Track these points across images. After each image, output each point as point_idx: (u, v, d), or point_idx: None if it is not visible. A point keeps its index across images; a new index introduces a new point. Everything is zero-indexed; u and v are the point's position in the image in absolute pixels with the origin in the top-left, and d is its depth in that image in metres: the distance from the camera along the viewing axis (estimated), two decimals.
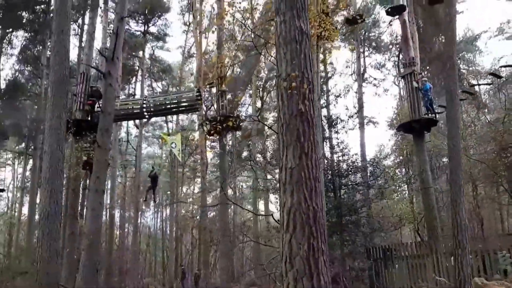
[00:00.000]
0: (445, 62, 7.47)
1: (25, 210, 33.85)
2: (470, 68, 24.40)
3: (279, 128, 3.99)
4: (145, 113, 13.32)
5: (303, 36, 4.07)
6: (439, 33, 19.30)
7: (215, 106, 13.00)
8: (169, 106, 13.20)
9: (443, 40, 20.24)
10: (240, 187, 42.11)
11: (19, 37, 25.47)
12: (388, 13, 15.03)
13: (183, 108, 13.31)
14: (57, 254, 7.46)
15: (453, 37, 7.63)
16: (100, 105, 13.21)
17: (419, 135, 14.00)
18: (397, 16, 15.52)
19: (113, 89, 11.87)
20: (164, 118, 39.04)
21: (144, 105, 13.10)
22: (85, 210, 18.47)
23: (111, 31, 13.59)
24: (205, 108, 14.60)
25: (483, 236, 16.99)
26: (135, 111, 13.32)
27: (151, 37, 32.47)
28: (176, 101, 13.17)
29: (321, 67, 21.97)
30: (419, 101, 14.13)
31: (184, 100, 13.07)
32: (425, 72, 17.27)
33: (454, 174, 6.78)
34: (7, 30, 24.81)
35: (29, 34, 24.61)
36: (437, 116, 14.60)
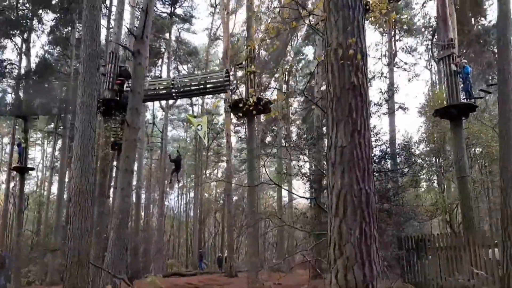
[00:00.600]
0: (498, 38, 6.89)
1: (54, 189, 34.84)
2: None
3: (328, 103, 3.66)
4: (173, 94, 13.15)
5: (357, 1, 3.69)
6: (479, 14, 18.27)
7: (244, 87, 12.65)
8: (197, 87, 12.98)
9: (483, 21, 19.28)
10: (263, 173, 41.83)
11: (49, 17, 25.78)
12: None
13: (211, 89, 13.08)
14: (88, 232, 7.40)
15: (507, 11, 7.02)
16: (129, 85, 13.10)
17: (457, 121, 13.32)
18: None
19: (143, 68, 11.73)
20: (189, 101, 39.15)
21: (172, 86, 12.93)
22: (111, 190, 18.80)
23: (140, 10, 13.36)
24: (231, 89, 14.27)
25: None
26: (163, 91, 13.17)
27: (177, 19, 32.24)
28: (204, 82, 12.94)
29: None
30: (458, 85, 13.42)
31: (213, 81, 12.83)
32: (463, 56, 16.38)
33: (505, 160, 6.29)
34: (37, 8, 25.02)
35: (58, 14, 24.77)
36: (476, 101, 13.88)
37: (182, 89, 12.97)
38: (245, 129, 43.32)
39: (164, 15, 31.14)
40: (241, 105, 12.24)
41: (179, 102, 40.25)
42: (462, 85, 13.14)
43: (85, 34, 8.19)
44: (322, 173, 17.34)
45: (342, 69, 3.59)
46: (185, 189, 49.04)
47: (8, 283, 19.25)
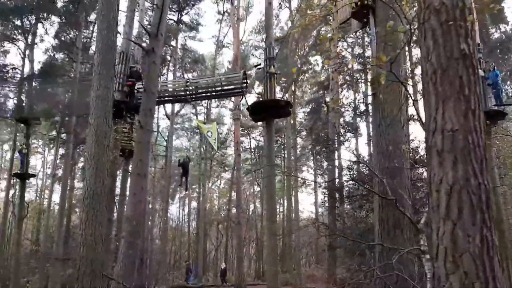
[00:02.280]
0: None
1: (55, 197, 33.96)
2: None
3: (430, 76, 2.92)
4: (188, 96, 12.45)
5: None
6: (500, 21, 17.73)
7: (262, 89, 11.97)
8: (213, 89, 12.31)
9: (505, 27, 18.75)
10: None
11: (53, 22, 25.28)
12: None
13: (227, 92, 12.41)
14: (102, 240, 6.62)
15: None
16: (141, 85, 12.44)
17: (486, 129, 12.61)
18: None
19: (157, 67, 11.03)
20: (194, 109, 38.56)
21: (187, 88, 12.25)
22: (117, 197, 17.97)
23: (154, 6, 12.73)
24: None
25: None
26: (178, 93, 12.49)
27: (183, 27, 31.76)
28: (220, 84, 12.27)
29: None
30: (486, 90, 12.77)
31: (229, 82, 12.16)
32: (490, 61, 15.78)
33: None
34: (41, 15, 24.54)
35: (63, 19, 24.25)
36: (505, 108, 13.22)
37: (197, 91, 12.29)
38: (249, 139, 42.83)
39: (171, 22, 30.67)
40: (259, 108, 11.53)
41: (183, 111, 39.73)
42: (493, 90, 12.48)
43: (100, 23, 7.53)
44: (335, 185, 16.67)
45: (448, 33, 2.87)
46: (187, 199, 48.14)
47: None
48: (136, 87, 13.08)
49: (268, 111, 11.14)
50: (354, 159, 15.91)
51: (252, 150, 42.82)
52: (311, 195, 56.99)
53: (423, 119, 3.19)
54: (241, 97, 16.26)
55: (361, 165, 12.62)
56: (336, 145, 18.36)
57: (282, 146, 43.81)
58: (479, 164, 2.70)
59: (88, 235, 6.46)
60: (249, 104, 11.80)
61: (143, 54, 19.26)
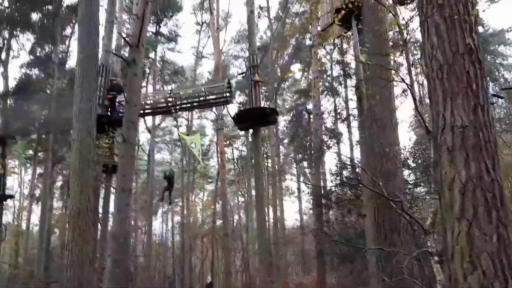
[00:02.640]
0: None
1: (33, 218, 32.86)
2: (505, 62, 23.21)
3: (436, 72, 2.85)
4: (171, 108, 12.22)
5: None
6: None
7: (245, 98, 11.86)
8: (197, 100, 12.13)
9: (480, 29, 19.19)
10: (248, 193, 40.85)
11: (28, 38, 24.71)
12: None
13: (212, 101, 12.23)
14: (90, 260, 6.32)
15: None
16: (122, 98, 12.16)
17: None
18: None
19: (139, 79, 10.79)
20: (174, 122, 38.14)
21: (170, 99, 12.03)
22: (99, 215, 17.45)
23: (134, 17, 12.51)
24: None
25: None
26: (160, 105, 12.25)
27: (162, 38, 31.54)
28: (204, 93, 12.10)
29: None
30: None
31: (214, 92, 12.00)
32: None
33: None
34: (15, 31, 23.97)
35: (37, 35, 23.71)
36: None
37: (180, 102, 12.08)
38: (232, 149, 42.60)
39: (149, 34, 30.38)
40: (245, 116, 11.40)
41: (163, 123, 39.26)
42: None
43: (81, 34, 7.32)
44: (322, 191, 16.63)
45: (453, 28, 2.82)
46: (170, 213, 47.35)
47: None
48: (117, 100, 12.77)
49: (254, 119, 11.02)
50: (339, 164, 15.93)
51: (235, 160, 42.55)
52: (295, 203, 57.16)
53: (423, 120, 3.12)
54: (223, 107, 16.15)
55: (349, 169, 12.61)
56: (321, 152, 18.33)
57: (265, 155, 43.80)
58: (491, 160, 2.64)
59: (75, 254, 6.17)
60: (234, 113, 11.66)
61: (123, 67, 19.00)
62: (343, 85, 28.58)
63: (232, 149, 42.16)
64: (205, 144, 41.19)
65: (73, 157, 6.61)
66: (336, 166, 12.74)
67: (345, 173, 16.02)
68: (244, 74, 11.92)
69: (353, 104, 18.77)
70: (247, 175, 40.83)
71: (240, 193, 43.46)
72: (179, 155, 43.36)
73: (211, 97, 12.07)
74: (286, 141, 40.04)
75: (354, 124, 28.66)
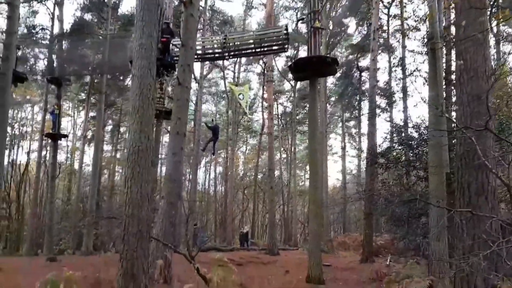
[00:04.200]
0: None
1: (85, 159, 34.48)
2: None
3: None
4: (225, 54, 11.78)
5: None
6: None
7: (307, 45, 11.13)
8: (252, 46, 11.59)
9: None
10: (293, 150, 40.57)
11: None
12: None
13: (268, 48, 11.65)
14: (149, 199, 6.24)
15: None
16: (174, 43, 11.83)
17: None
18: None
19: (195, 20, 10.40)
20: (221, 73, 37.77)
21: (225, 44, 11.56)
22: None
23: None
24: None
25: None
26: (214, 50, 11.83)
27: None
28: (260, 39, 11.52)
29: None
30: None
31: (270, 38, 11.39)
32: None
33: None
34: None
35: None
36: None
37: (235, 48, 11.60)
38: (277, 104, 41.99)
39: None
40: (303, 66, 10.75)
41: (210, 75, 39.02)
42: None
43: None
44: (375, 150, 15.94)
45: None
46: (213, 163, 48.29)
47: None
48: (170, 44, 12.46)
49: (313, 69, 10.38)
50: (395, 125, 15.03)
51: (279, 116, 42.01)
52: (337, 162, 56.36)
53: None
54: (273, 57, 15.40)
55: (409, 129, 11.81)
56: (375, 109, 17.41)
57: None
58: None
59: (134, 193, 6.08)
60: (290, 63, 11.03)
61: (175, 11, 18.52)
62: (400, 43, 26.78)
63: (277, 104, 41.55)
64: (250, 97, 40.76)
65: (132, 94, 6.39)
66: (393, 126, 11.91)
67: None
68: (303, 20, 11.13)
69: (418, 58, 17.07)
70: (291, 131, 40.46)
71: (282, 149, 43.34)
72: (223, 107, 43.45)
73: (267, 43, 11.47)
74: (333, 99, 38.90)
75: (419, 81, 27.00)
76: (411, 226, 11.19)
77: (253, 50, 11.92)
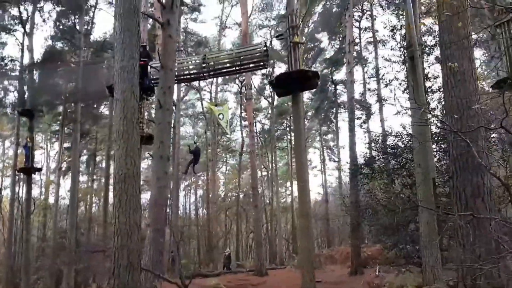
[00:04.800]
0: None
1: (61, 191, 33.27)
2: None
3: None
4: (205, 74, 11.64)
5: None
6: None
7: (287, 60, 11.14)
8: (231, 64, 11.50)
9: None
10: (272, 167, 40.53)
11: (52, 9, 24.32)
12: None
13: (248, 65, 11.58)
14: (138, 228, 5.93)
15: None
16: (152, 64, 11.65)
17: None
18: None
19: (174, 41, 10.25)
20: (197, 95, 37.63)
21: (204, 64, 11.44)
22: None
23: None
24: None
25: None
26: (193, 71, 11.68)
27: (185, 8, 30.67)
28: (239, 57, 11.45)
29: None
30: None
31: (250, 55, 11.34)
32: None
33: None
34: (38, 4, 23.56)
35: (61, 6, 23.21)
36: None
37: (215, 67, 11.48)
38: (255, 122, 41.98)
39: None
40: (284, 80, 10.73)
41: (186, 97, 38.78)
42: None
43: None
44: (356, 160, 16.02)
45: None
46: (193, 186, 47.50)
47: None
48: (148, 67, 12.25)
49: (294, 83, 10.37)
50: (380, 133, 15.12)
51: (257, 133, 42.00)
52: (317, 176, 56.52)
53: None
54: (251, 75, 15.39)
55: (391, 138, 11.91)
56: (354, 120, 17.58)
57: (287, 129, 43.13)
58: None
59: (122, 223, 5.76)
60: (271, 78, 10.99)
61: (150, 33, 18.35)
62: (372, 54, 27.42)
63: (255, 122, 41.55)
64: (230, 116, 40.62)
65: (116, 119, 6.15)
66: (377, 135, 11.99)
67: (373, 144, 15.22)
68: (282, 36, 11.17)
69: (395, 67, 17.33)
70: (270, 148, 40.40)
71: (263, 166, 43.16)
72: (201, 129, 43.12)
73: (247, 61, 11.42)
74: (309, 113, 39.22)
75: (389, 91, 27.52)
76: (401, 234, 11.14)
77: (233, 68, 11.83)
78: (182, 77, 11.94)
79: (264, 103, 41.08)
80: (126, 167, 5.91)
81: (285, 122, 43.24)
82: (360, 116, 26.94)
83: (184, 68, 11.85)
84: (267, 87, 38.28)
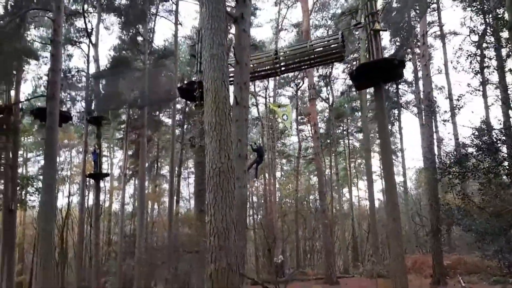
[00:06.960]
0: None
1: (126, 197, 34.26)
2: None
3: None
4: (278, 70, 11.13)
5: None
6: None
7: (365, 50, 10.33)
8: (306, 58, 10.90)
9: None
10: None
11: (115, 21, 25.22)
12: None
13: (323, 59, 10.93)
14: (235, 226, 5.43)
15: None
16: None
17: None
18: None
19: (248, 35, 9.83)
20: (253, 99, 37.35)
21: (277, 60, 10.94)
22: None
23: None
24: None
25: None
26: (266, 67, 11.22)
27: None
28: (315, 50, 10.83)
29: None
30: None
31: (326, 47, 10.70)
32: None
33: None
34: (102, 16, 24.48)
35: (123, 17, 23.90)
36: None
37: (287, 62, 10.95)
38: (311, 125, 40.95)
39: (228, 9, 29.54)
40: (366, 71, 9.93)
41: None
42: None
43: None
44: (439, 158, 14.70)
45: None
46: (248, 193, 47.08)
47: None
48: None
49: (378, 74, 9.55)
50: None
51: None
52: (376, 181, 54.11)
53: None
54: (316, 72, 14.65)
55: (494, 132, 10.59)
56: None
57: (344, 132, 41.69)
58: None
59: (218, 221, 5.28)
60: (351, 69, 10.24)
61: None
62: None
63: (311, 125, 40.43)
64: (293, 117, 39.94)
65: (207, 110, 5.72)
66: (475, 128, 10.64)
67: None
68: (360, 25, 10.40)
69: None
70: (329, 151, 39.13)
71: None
72: (255, 135, 42.69)
73: (323, 54, 10.75)
74: (370, 115, 37.59)
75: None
76: (503, 240, 9.84)
77: (308, 62, 11.20)
78: (255, 74, 11.48)
79: (318, 106, 40.04)
80: (220, 161, 5.45)
81: (341, 125, 41.97)
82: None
83: (255, 64, 11.38)
84: (324, 89, 37.33)
